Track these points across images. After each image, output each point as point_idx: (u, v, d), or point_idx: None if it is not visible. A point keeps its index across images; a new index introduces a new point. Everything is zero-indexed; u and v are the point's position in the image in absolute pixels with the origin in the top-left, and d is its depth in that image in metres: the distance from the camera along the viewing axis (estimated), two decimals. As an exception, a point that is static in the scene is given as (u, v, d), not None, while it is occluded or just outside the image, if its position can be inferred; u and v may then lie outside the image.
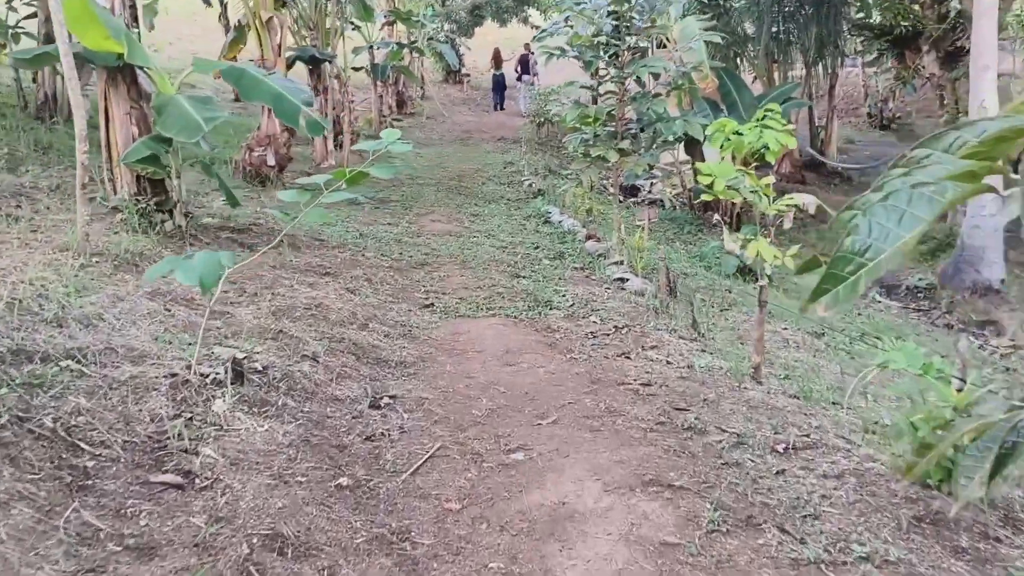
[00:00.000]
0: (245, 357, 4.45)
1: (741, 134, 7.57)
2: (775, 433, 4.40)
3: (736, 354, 6.18)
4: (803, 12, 16.01)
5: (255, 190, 10.35)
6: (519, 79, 22.69)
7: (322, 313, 5.76)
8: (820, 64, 16.90)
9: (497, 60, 23.24)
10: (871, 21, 15.10)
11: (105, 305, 4.73)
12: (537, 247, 9.47)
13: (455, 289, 7.34)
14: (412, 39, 18.56)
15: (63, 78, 12.08)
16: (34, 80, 12.48)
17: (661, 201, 14.29)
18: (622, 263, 8.61)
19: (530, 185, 13.60)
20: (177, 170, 7.06)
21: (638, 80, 8.57)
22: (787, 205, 7.75)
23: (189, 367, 3.99)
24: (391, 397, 4.62)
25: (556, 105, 18.21)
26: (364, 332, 5.66)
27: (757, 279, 10.61)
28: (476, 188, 13.47)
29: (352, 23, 16.52)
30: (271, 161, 10.70)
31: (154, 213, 6.89)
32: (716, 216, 11.03)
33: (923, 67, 14.81)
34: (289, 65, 13.51)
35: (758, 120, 7.73)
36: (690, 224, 13.81)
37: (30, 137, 10.17)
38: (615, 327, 6.55)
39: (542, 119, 18.36)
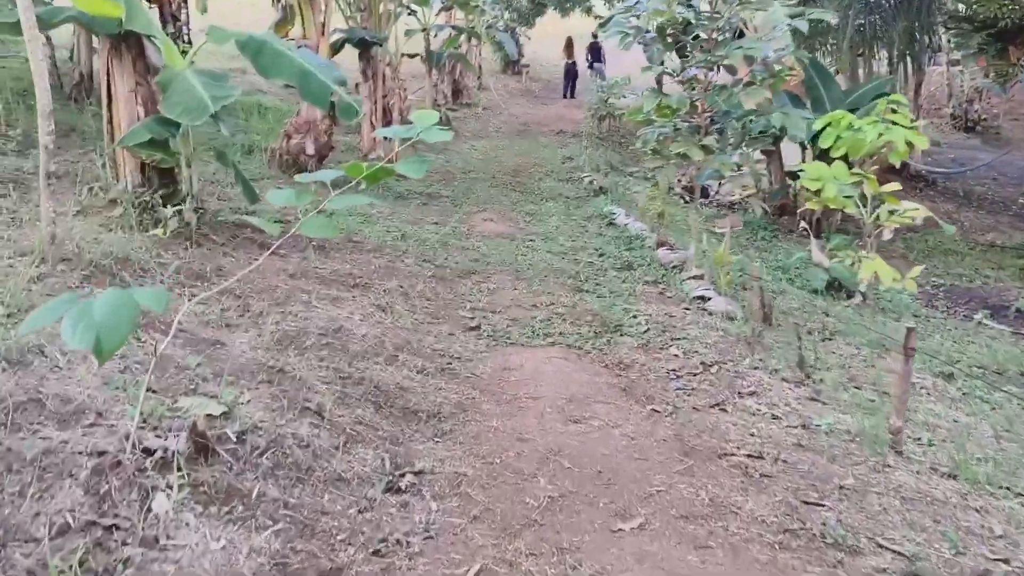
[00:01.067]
0: (223, 414, 3.19)
1: (858, 129, 6.13)
2: (956, 553, 3.00)
3: (858, 406, 4.76)
4: (891, 2, 14.28)
5: (292, 182, 9.14)
6: (591, 67, 21.73)
7: (341, 341, 4.48)
8: (908, 59, 15.13)
9: (570, 49, 22.30)
10: (970, 13, 13.33)
11: (51, 333, 3.50)
12: (601, 254, 8.09)
13: (507, 306, 6.01)
14: (471, 25, 17.19)
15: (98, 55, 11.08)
16: (71, 58, 11.49)
17: (735, 204, 12.76)
18: (702, 278, 7.19)
19: (591, 182, 12.21)
20: (187, 158, 5.86)
21: (726, 68, 7.14)
22: (907, 216, 6.29)
23: (128, 437, 2.73)
24: (416, 473, 3.30)
25: (621, 98, 16.83)
26: (391, 368, 4.36)
27: (849, 296, 9.09)
28: (533, 184, 12.13)
29: (408, 8, 15.26)
30: (310, 150, 9.47)
31: (159, 208, 5.70)
32: (803, 224, 9.51)
33: (1029, 63, 13.00)
34: (337, 48, 12.32)
35: (878, 113, 6.29)
36: (764, 230, 12.23)
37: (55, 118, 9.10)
38: (702, 364, 5.16)
39: (604, 113, 16.89)
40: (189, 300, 4.04)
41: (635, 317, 6.10)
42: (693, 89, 6.90)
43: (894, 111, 5.87)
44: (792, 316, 7.02)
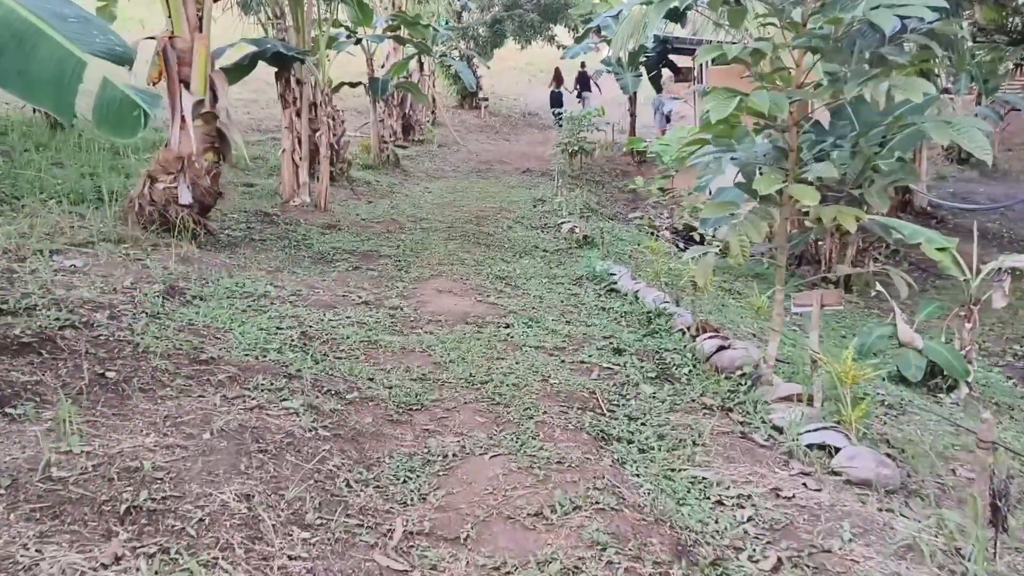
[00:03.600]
0: None
1: None
2: None
3: None
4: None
5: (148, 249, 5.71)
6: (578, 96, 20.16)
7: None
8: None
9: (558, 79, 20.97)
10: (1006, 24, 10.57)
11: None
12: (617, 349, 4.86)
13: (483, 518, 2.69)
14: (420, 40, 13.90)
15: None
16: None
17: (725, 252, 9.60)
18: (802, 401, 3.98)
19: (572, 230, 9.03)
20: None
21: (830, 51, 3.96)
22: None
23: None
24: None
25: (595, 131, 13.81)
26: None
27: (950, 388, 6.02)
28: (500, 234, 8.90)
29: (346, 28, 12.03)
30: (185, 198, 6.07)
31: None
32: (877, 286, 6.39)
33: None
34: (247, 65, 9.00)
35: None
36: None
37: None
38: None
39: (576, 147, 13.78)
40: None
41: (725, 516, 2.87)
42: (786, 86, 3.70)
43: None
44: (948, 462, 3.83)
